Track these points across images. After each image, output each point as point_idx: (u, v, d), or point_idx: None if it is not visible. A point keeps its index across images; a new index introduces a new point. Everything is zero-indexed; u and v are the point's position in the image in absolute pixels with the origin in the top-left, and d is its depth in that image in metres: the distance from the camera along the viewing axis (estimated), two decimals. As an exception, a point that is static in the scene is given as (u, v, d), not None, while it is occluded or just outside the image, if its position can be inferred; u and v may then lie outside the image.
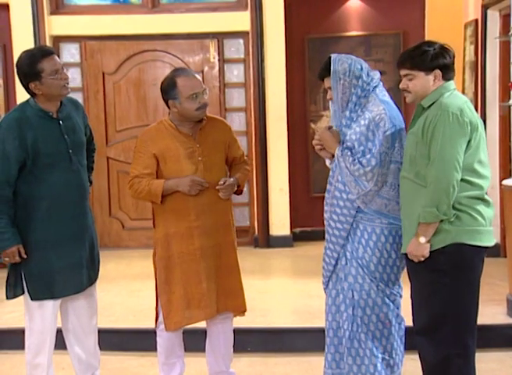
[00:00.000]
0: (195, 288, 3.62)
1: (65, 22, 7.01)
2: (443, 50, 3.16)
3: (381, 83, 3.42)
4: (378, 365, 3.34)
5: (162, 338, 3.75)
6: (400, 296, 3.41)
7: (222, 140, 3.74)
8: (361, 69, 3.36)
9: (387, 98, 3.41)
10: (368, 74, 3.37)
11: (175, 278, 3.64)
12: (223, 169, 3.74)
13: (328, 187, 3.44)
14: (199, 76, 3.70)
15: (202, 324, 3.81)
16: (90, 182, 3.81)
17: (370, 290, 3.33)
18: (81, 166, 3.61)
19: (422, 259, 3.10)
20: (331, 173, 3.43)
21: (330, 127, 3.44)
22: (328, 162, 3.57)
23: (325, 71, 3.38)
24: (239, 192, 3.80)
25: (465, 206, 3.07)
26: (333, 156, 3.43)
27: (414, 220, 3.12)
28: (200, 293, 3.62)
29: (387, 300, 3.35)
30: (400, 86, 3.24)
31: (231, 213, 3.77)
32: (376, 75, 3.41)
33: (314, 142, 3.50)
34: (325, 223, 3.45)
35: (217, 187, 3.62)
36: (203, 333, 3.90)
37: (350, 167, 3.27)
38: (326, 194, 3.45)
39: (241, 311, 3.80)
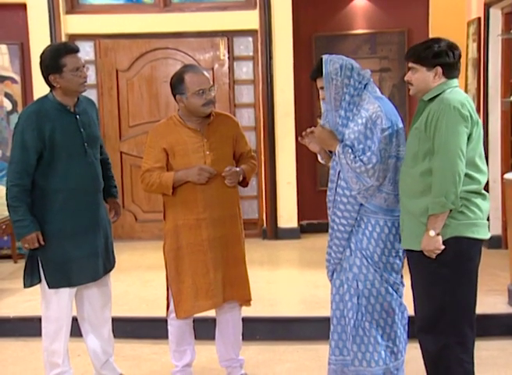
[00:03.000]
0: (203, 278, 3.63)
1: (80, 21, 7.03)
2: (449, 48, 3.12)
3: (371, 81, 3.40)
4: (382, 352, 3.35)
5: (173, 327, 3.77)
6: (403, 285, 3.41)
7: (230, 135, 3.75)
8: (352, 68, 3.34)
9: (379, 94, 3.41)
10: (358, 73, 3.35)
11: (184, 268, 3.65)
12: (231, 163, 3.73)
13: (329, 184, 3.43)
14: (208, 74, 3.70)
15: (212, 313, 3.83)
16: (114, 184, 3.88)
17: (374, 280, 3.33)
18: (95, 159, 3.64)
19: (438, 252, 3.04)
20: (332, 171, 3.41)
21: (323, 127, 3.41)
22: (319, 157, 3.57)
23: (317, 72, 3.36)
24: (245, 184, 3.79)
25: (464, 200, 3.04)
26: (325, 151, 3.44)
27: (413, 215, 3.12)
28: (208, 283, 3.63)
29: (390, 289, 3.35)
30: (405, 78, 3.23)
31: (238, 206, 3.78)
32: (367, 73, 3.40)
33: (305, 133, 3.49)
34: (329, 218, 3.44)
35: (223, 174, 3.62)
36: (213, 321, 3.91)
37: (351, 164, 3.26)
38: (328, 192, 3.44)
39: (246, 300, 3.80)
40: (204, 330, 4.18)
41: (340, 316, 3.43)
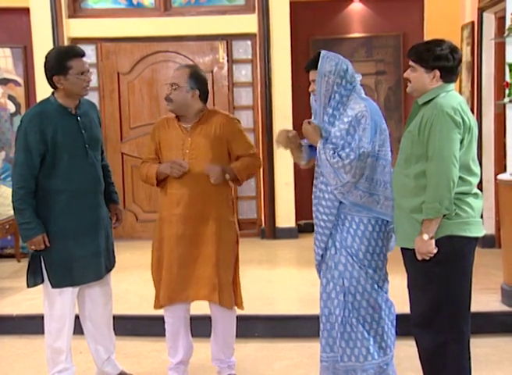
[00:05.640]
0: (169, 272, 3.64)
1: (82, 25, 7.03)
2: (450, 52, 3.07)
3: (358, 83, 3.40)
4: (371, 347, 3.34)
5: (168, 324, 3.78)
6: (388, 281, 3.41)
7: (218, 135, 3.64)
8: (347, 69, 3.34)
9: (364, 95, 3.40)
10: (352, 75, 3.35)
11: (161, 260, 3.69)
12: (214, 163, 3.61)
13: (314, 181, 3.46)
14: (183, 71, 3.65)
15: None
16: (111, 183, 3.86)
17: (359, 277, 3.33)
18: (96, 161, 3.63)
19: (431, 255, 3.04)
20: (316, 168, 3.44)
21: (309, 122, 3.41)
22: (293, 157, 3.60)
23: (313, 64, 3.35)
24: (238, 183, 3.74)
25: (456, 200, 3.03)
26: (298, 150, 3.49)
27: (405, 212, 3.12)
28: (172, 277, 3.63)
29: (376, 286, 3.35)
30: (404, 74, 3.22)
31: (222, 207, 3.65)
32: (359, 77, 3.40)
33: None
34: (313, 215, 3.47)
35: (204, 171, 3.57)
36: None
37: (330, 160, 3.27)
38: (314, 188, 3.46)
39: (226, 303, 3.64)
40: (204, 327, 4.17)
41: (329, 314, 3.43)
